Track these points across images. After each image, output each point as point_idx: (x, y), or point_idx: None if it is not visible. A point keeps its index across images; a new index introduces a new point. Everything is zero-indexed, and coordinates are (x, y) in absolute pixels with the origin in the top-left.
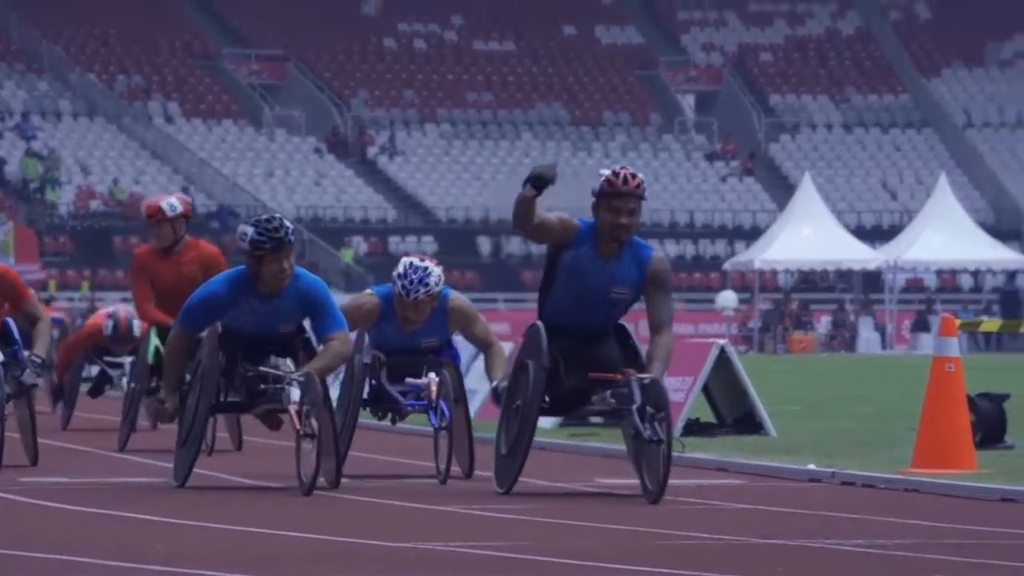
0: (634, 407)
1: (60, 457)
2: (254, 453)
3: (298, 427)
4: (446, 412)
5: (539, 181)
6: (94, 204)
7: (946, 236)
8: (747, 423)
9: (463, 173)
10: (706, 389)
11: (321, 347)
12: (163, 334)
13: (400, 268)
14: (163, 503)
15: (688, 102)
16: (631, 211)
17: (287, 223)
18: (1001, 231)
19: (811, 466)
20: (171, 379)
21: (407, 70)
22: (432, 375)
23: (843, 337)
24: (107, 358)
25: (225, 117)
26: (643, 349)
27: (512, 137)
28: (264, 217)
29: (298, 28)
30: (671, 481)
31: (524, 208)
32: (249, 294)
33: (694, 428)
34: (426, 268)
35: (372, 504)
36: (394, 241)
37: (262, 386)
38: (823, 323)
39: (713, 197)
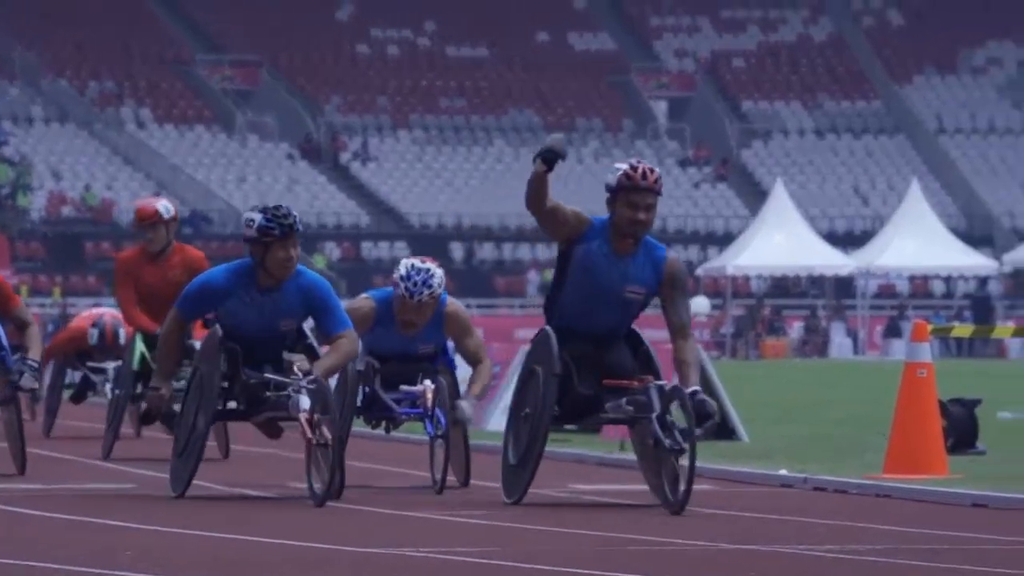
0: (654, 415)
1: (43, 465)
2: (239, 461)
3: (310, 436)
4: (442, 420)
5: (549, 155)
6: (66, 210)
7: (918, 242)
8: (719, 429)
9: (436, 179)
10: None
11: (324, 348)
12: (148, 340)
13: (402, 270)
14: (144, 510)
15: (660, 108)
16: (648, 207)
17: (294, 211)
18: (973, 237)
19: (783, 471)
20: (165, 365)
21: (380, 76)
22: (427, 382)
23: (815, 343)
24: (90, 363)
25: (197, 123)
26: (655, 354)
27: (485, 143)
28: (271, 205)
29: (271, 34)
30: (637, 487)
31: (536, 186)
32: (249, 286)
33: None
34: (428, 269)
35: (353, 511)
36: (367, 247)
37: (266, 393)
38: (795, 329)
39: (686, 203)
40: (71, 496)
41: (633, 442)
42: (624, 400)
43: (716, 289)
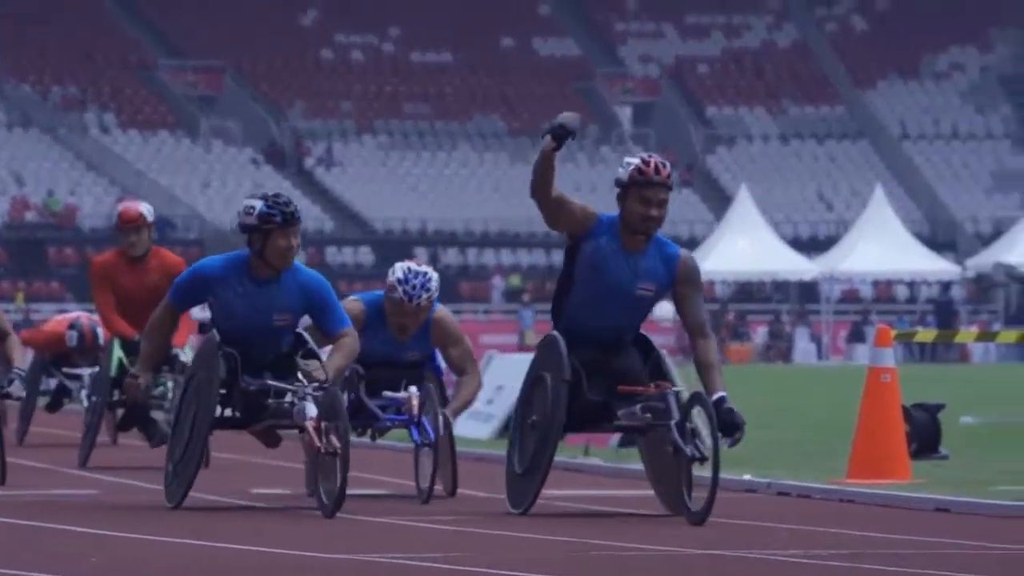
0: (672, 422)
1: (19, 474)
2: (219, 468)
3: (319, 445)
4: (428, 428)
5: (560, 131)
6: (29, 215)
7: (881, 247)
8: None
9: (400, 184)
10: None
11: (309, 349)
12: (127, 346)
13: (399, 274)
14: (119, 518)
15: (625, 113)
16: (661, 202)
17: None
18: (936, 242)
19: (747, 476)
20: (149, 354)
21: (344, 81)
22: (412, 389)
23: (779, 348)
24: (66, 369)
25: (161, 128)
26: (667, 360)
27: (449, 148)
28: (271, 192)
29: (235, 39)
30: (603, 492)
31: (542, 167)
32: (244, 276)
33: (630, 439)
34: (426, 273)
35: (327, 518)
36: (331, 252)
37: (267, 401)
38: (759, 334)
39: None
40: (41, 502)
41: (640, 450)
42: (639, 407)
43: None
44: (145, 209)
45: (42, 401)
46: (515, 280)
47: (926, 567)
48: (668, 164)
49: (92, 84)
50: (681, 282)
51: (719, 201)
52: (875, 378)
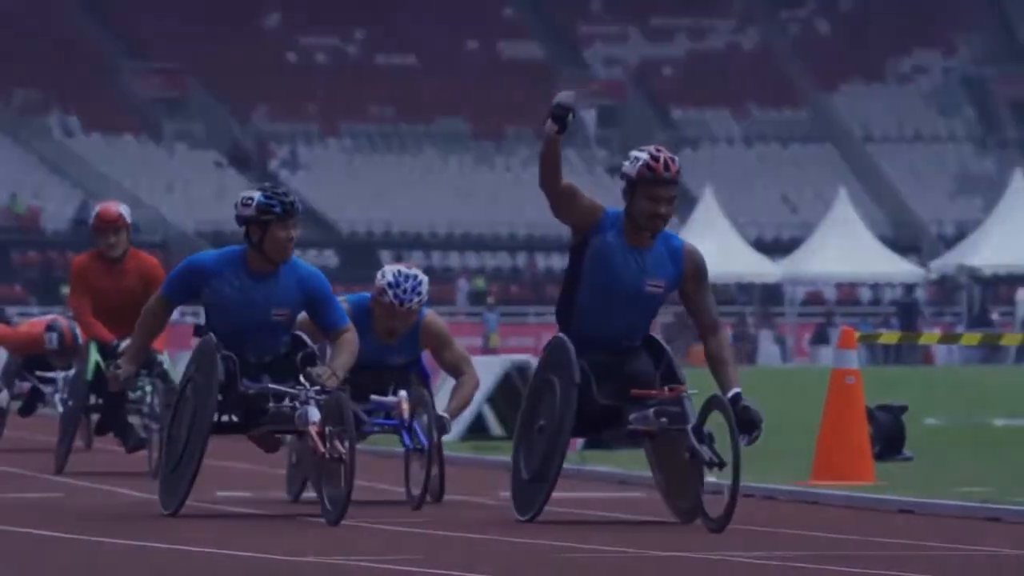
0: (689, 427)
1: None
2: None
3: (323, 451)
4: (420, 433)
5: (559, 111)
6: None
7: (845, 249)
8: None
9: (365, 187)
10: None
11: (309, 352)
12: (103, 350)
13: (389, 277)
14: (96, 523)
15: (590, 116)
16: (670, 199)
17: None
18: (899, 244)
19: (711, 479)
20: (137, 346)
21: (308, 84)
22: (403, 392)
23: (744, 350)
24: (39, 373)
25: (125, 131)
26: (678, 363)
27: (414, 151)
28: (268, 184)
29: (198, 42)
30: (568, 494)
31: (549, 153)
32: (240, 270)
33: (596, 442)
34: (416, 276)
35: (295, 521)
36: (296, 255)
37: (267, 405)
38: None
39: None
40: (12, 507)
41: (648, 454)
42: (652, 411)
43: None
44: (124, 210)
45: (15, 405)
46: (480, 283)
47: (890, 568)
48: (676, 159)
49: (55, 87)
50: (690, 277)
51: (684, 203)
52: (839, 380)
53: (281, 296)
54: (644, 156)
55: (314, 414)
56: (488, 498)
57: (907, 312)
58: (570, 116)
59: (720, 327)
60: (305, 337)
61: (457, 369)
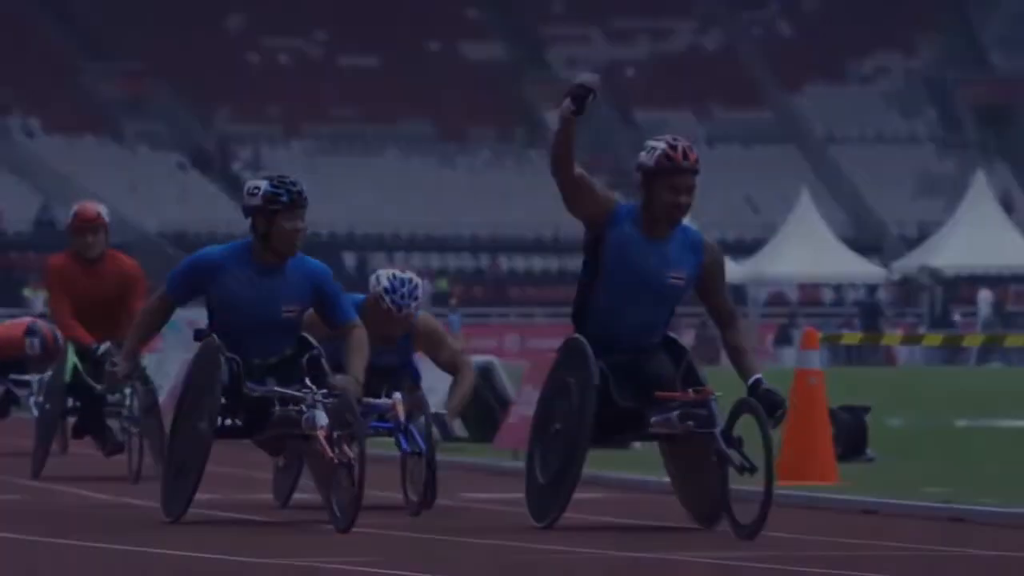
0: (717, 430)
1: None
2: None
3: (331, 456)
4: (416, 436)
5: (580, 90)
6: None
7: (808, 250)
8: None
9: (328, 188)
10: None
11: (315, 355)
12: (81, 353)
13: (384, 282)
14: (66, 526)
15: (553, 117)
16: (690, 189)
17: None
18: (862, 245)
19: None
20: (135, 343)
21: (271, 85)
22: (397, 395)
23: (707, 350)
24: (13, 375)
25: (86, 132)
26: (699, 364)
27: (376, 152)
28: (276, 175)
29: (160, 42)
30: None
31: (562, 132)
32: (247, 264)
33: None
34: (411, 279)
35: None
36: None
37: (273, 409)
38: (688, 336)
39: None
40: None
41: (667, 458)
42: (676, 413)
43: None
44: (102, 209)
45: None
46: (442, 284)
47: (852, 569)
48: (694, 147)
49: (16, 88)
50: (709, 269)
51: None
52: (802, 381)
53: (290, 291)
54: (662, 145)
55: (322, 418)
56: (450, 500)
57: (869, 313)
58: (591, 97)
59: (738, 318)
60: (311, 338)
61: (454, 367)
